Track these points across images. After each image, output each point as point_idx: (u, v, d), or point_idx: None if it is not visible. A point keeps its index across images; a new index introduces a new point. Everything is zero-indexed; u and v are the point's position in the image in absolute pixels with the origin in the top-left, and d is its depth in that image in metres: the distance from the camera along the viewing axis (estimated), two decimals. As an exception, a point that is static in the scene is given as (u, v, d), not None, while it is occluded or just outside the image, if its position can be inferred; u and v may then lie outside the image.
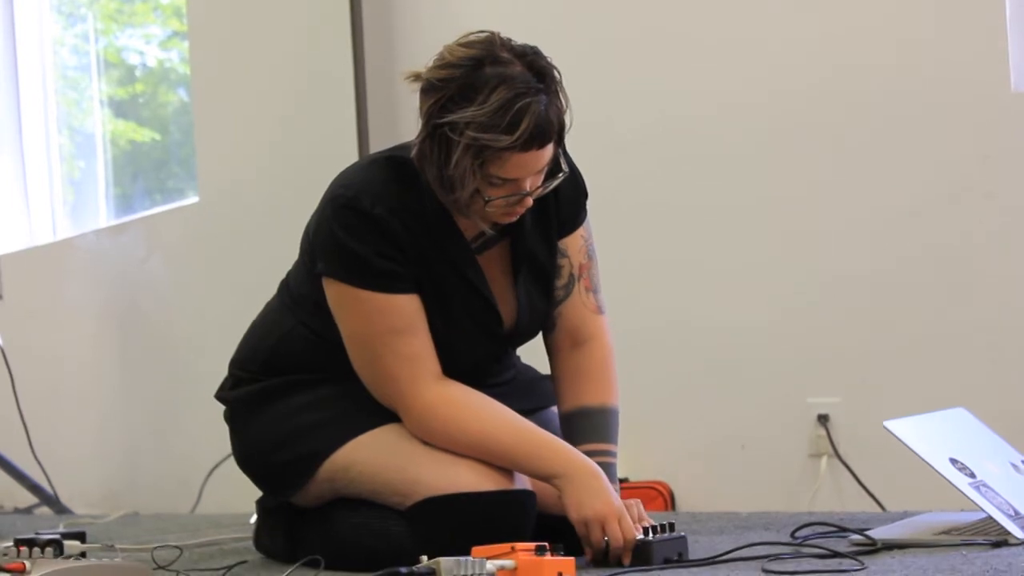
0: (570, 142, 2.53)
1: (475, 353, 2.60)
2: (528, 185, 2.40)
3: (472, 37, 2.39)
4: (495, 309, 2.57)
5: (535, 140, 2.33)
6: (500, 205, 2.41)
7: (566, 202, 2.61)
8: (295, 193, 4.58)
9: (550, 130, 2.35)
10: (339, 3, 4.54)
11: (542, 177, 2.42)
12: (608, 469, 2.52)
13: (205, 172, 5.32)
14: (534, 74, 2.35)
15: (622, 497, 2.49)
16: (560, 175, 2.45)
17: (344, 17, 4.54)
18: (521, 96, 2.31)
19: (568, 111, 2.41)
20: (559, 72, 2.40)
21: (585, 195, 2.65)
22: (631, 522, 2.39)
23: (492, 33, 2.40)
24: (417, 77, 2.40)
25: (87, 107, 6.33)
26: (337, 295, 2.52)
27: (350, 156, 4.44)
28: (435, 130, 2.36)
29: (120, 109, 6.24)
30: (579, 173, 2.64)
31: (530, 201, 2.44)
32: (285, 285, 2.74)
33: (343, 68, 4.53)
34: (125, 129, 6.14)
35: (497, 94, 2.31)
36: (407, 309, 2.49)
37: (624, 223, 4.01)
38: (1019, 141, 3.63)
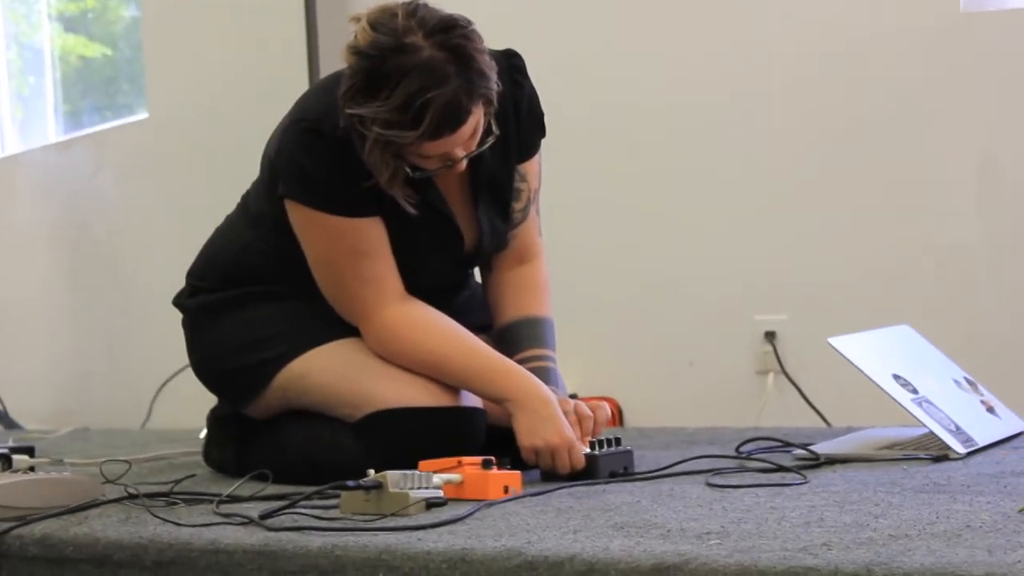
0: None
1: (438, 274, 2.61)
2: (459, 153, 2.38)
3: (387, 13, 2.30)
4: (458, 231, 2.57)
5: (444, 129, 2.29)
6: (430, 170, 2.41)
7: (527, 127, 2.60)
8: (245, 110, 4.57)
9: (460, 114, 2.29)
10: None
11: (475, 141, 2.39)
12: (549, 373, 2.55)
13: (155, 89, 5.28)
14: (447, 53, 2.27)
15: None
16: (491, 138, 2.41)
17: (295, -67, 4.50)
18: (425, 90, 2.25)
19: (491, 74, 2.33)
20: (476, 40, 2.32)
21: (543, 116, 2.64)
22: (580, 451, 2.40)
23: (409, 5, 2.32)
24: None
25: (36, 22, 6.25)
26: (300, 218, 2.51)
27: (300, 72, 4.42)
28: (348, 118, 2.32)
29: (70, 24, 6.16)
30: (537, 97, 2.61)
31: (463, 165, 2.41)
32: (245, 200, 2.72)
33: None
34: (75, 44, 6.08)
35: (401, 88, 2.25)
36: (370, 232, 2.49)
37: (578, 149, 4.01)
38: (967, 61, 3.65)
